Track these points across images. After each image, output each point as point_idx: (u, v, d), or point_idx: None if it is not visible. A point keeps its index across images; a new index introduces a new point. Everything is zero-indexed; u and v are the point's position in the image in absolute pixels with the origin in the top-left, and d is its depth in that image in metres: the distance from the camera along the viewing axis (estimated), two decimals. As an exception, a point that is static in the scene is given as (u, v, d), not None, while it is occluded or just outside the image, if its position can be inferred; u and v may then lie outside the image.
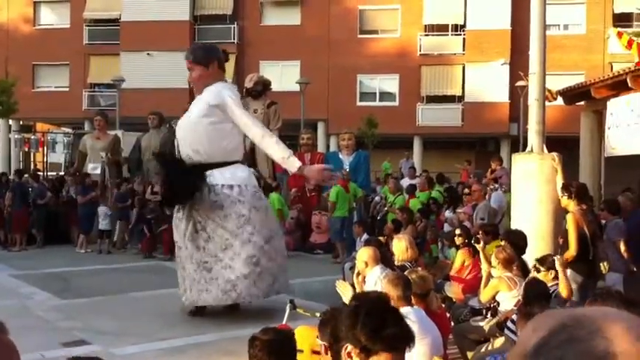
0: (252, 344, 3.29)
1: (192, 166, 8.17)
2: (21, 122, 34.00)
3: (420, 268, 6.07)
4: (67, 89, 34.09)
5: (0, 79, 29.12)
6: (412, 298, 4.79)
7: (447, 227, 11.56)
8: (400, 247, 7.00)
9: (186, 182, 8.10)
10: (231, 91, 8.47)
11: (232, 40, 33.39)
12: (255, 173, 15.77)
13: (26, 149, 29.82)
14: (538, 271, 5.86)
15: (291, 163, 8.01)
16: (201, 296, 8.19)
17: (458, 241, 8.30)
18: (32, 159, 31.26)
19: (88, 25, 34.15)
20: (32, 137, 28.65)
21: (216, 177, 8.17)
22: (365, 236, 10.15)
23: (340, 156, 16.18)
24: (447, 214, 12.17)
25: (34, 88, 33.83)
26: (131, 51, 32.61)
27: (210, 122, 8.22)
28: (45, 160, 26.49)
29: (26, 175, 17.20)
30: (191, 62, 8.54)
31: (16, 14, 34.47)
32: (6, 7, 34.49)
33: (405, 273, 5.31)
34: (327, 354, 3.21)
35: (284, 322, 5.04)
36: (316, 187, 15.65)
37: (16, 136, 30.14)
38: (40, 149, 27.81)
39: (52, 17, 35.07)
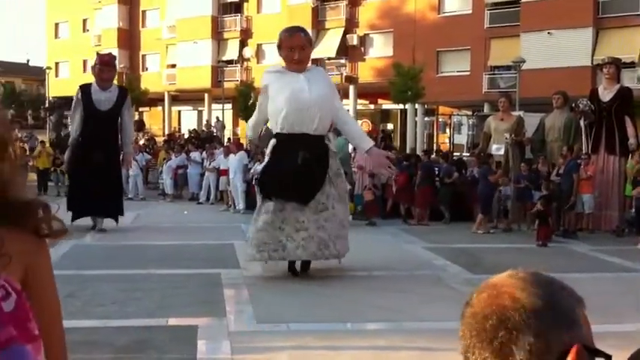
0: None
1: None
2: (425, 106, 36.33)
3: None
4: (468, 73, 35.31)
5: (409, 66, 31.57)
6: None
7: None
8: None
9: None
10: None
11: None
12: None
13: (433, 131, 31.99)
14: None
15: None
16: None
17: None
18: (435, 140, 33.31)
19: (489, 9, 34.84)
20: (440, 120, 30.55)
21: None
22: None
23: None
24: None
25: (437, 74, 35.80)
26: (531, 31, 32.35)
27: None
28: (450, 141, 27.89)
29: (434, 155, 18.40)
30: (308, 40, 8.84)
31: (423, 4, 36.81)
32: (414, -1, 37.18)
33: None
34: None
35: None
36: None
37: (425, 119, 32.48)
38: (447, 131, 29.49)
39: (455, 4, 36.65)
